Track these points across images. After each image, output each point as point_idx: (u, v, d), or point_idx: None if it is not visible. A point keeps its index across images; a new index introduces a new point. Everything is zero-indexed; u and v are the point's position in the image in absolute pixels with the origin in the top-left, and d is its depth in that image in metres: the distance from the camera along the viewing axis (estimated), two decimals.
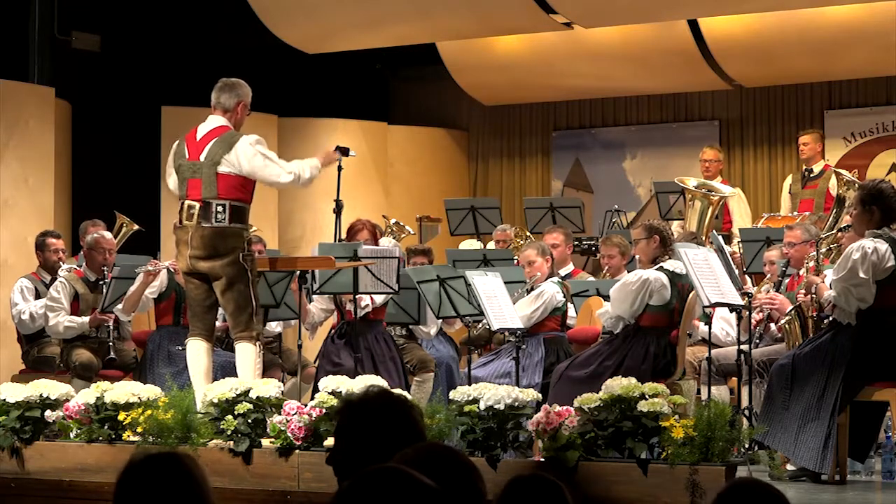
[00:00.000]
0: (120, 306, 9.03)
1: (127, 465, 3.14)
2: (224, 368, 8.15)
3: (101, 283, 9.26)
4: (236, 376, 7.39)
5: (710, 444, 6.26)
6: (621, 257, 9.22)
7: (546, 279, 8.82)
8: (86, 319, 9.15)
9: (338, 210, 9.31)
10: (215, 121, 7.55)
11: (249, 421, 7.00)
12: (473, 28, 12.39)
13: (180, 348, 8.80)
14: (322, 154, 7.88)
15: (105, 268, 9.27)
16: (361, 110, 13.81)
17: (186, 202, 7.44)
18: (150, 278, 8.94)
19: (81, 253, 9.74)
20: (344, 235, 9.09)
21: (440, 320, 9.02)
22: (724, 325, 8.79)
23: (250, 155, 7.38)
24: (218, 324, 7.94)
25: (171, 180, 7.69)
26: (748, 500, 3.02)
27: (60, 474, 7.37)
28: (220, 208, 7.37)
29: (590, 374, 7.79)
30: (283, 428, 6.90)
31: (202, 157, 7.42)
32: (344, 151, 9.20)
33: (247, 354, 7.39)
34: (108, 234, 9.64)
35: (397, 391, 7.11)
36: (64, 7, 12.56)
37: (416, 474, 2.85)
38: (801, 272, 8.22)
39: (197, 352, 7.48)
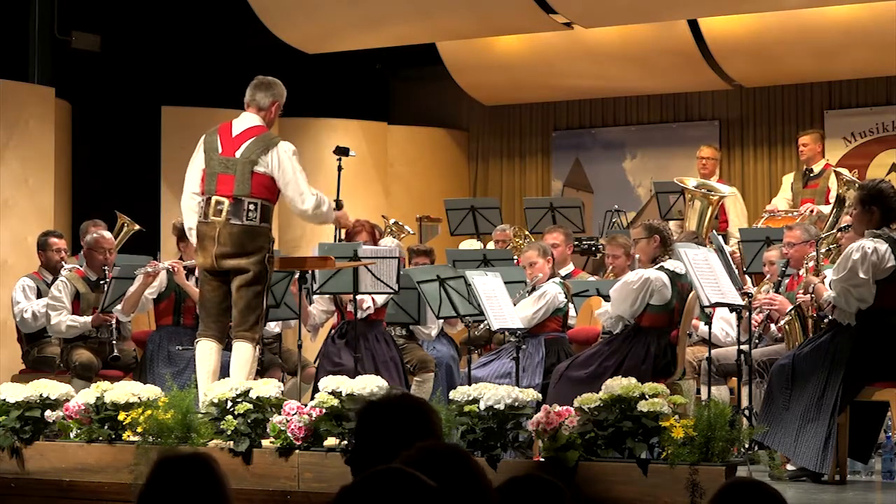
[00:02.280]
0: (119, 307, 9.03)
1: (156, 464, 3.15)
2: (225, 369, 8.15)
3: (101, 282, 9.26)
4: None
5: (710, 444, 6.26)
6: (626, 258, 9.21)
7: (547, 279, 8.82)
8: (88, 319, 9.16)
9: (338, 210, 9.31)
10: (250, 119, 7.49)
11: (249, 421, 7.00)
12: (473, 28, 12.39)
13: (180, 348, 8.81)
14: (343, 214, 7.87)
15: (105, 267, 9.27)
16: (361, 110, 13.81)
17: (214, 197, 7.37)
18: (150, 279, 8.94)
19: (81, 253, 9.74)
20: (343, 236, 9.10)
21: (441, 320, 9.03)
22: (723, 325, 8.80)
23: (285, 163, 7.35)
24: None
25: (192, 168, 7.56)
26: (745, 499, 3.02)
27: (60, 474, 7.37)
28: (251, 206, 7.34)
29: (590, 374, 7.80)
30: (283, 428, 6.89)
31: (238, 154, 7.37)
32: (344, 151, 9.23)
33: (244, 354, 7.36)
34: (108, 234, 9.64)
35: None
36: (64, 7, 12.56)
37: (418, 475, 2.85)
38: (800, 272, 8.22)
39: (207, 352, 7.45)
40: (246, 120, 7.50)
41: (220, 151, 7.42)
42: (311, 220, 7.74)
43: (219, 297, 7.46)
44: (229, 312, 7.49)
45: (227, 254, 7.34)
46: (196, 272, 8.43)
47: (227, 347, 7.71)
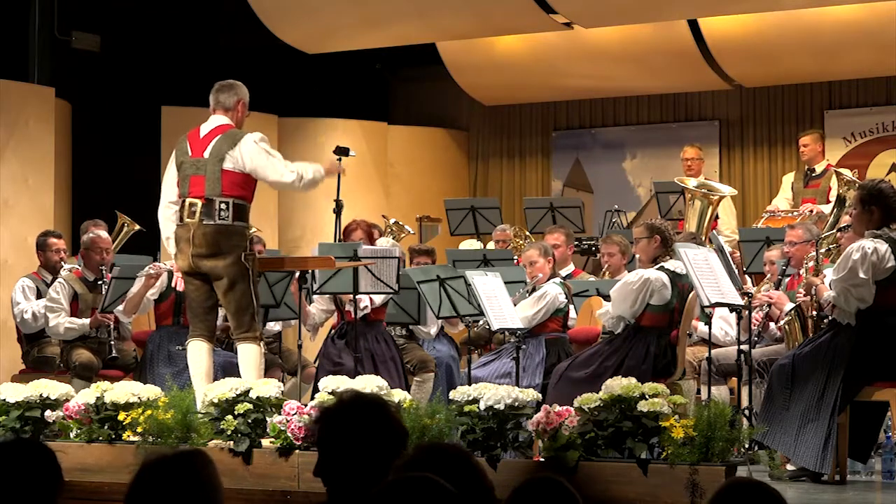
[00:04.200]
0: (121, 308, 9.02)
1: (138, 471, 3.16)
2: (224, 368, 8.15)
3: (99, 282, 9.25)
4: (236, 376, 7.39)
5: (710, 444, 6.26)
6: (621, 256, 9.22)
7: (548, 280, 8.82)
8: (86, 321, 9.15)
9: (338, 210, 9.31)
10: (218, 119, 7.52)
11: (249, 421, 7.00)
12: (473, 28, 12.39)
13: (180, 348, 8.80)
14: (327, 162, 7.85)
15: (103, 267, 9.26)
16: (361, 110, 13.81)
17: (188, 200, 7.40)
18: (152, 281, 8.93)
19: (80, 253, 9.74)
20: (342, 236, 9.10)
21: (440, 320, 9.03)
22: (723, 325, 8.79)
23: (254, 152, 7.34)
24: (218, 323, 7.91)
25: (167, 178, 7.62)
26: (745, 499, 3.02)
27: None
28: (223, 206, 7.34)
29: (590, 374, 7.79)
30: (283, 428, 6.90)
31: (206, 154, 7.38)
32: (344, 151, 9.23)
33: (250, 355, 7.37)
34: (105, 234, 9.63)
35: (396, 391, 7.14)
36: (64, 7, 12.56)
37: (446, 485, 2.86)
38: (801, 272, 8.22)
39: (198, 353, 7.45)
40: (213, 121, 7.54)
41: (190, 154, 7.45)
42: (303, 190, 7.85)
43: (202, 295, 7.47)
44: (215, 310, 7.53)
45: (202, 254, 7.34)
46: None
47: (230, 348, 7.71)
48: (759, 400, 7.64)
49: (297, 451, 6.90)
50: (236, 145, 7.36)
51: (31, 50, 12.43)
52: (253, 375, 7.30)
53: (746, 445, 7.01)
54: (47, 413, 7.45)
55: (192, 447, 6.26)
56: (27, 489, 3.23)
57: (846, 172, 9.76)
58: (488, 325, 8.17)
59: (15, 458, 3.25)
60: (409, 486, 2.88)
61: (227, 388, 7.10)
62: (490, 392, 6.66)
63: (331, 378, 7.20)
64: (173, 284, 8.51)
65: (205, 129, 7.51)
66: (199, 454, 3.21)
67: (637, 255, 8.36)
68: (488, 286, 8.03)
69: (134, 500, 3.13)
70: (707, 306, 7.79)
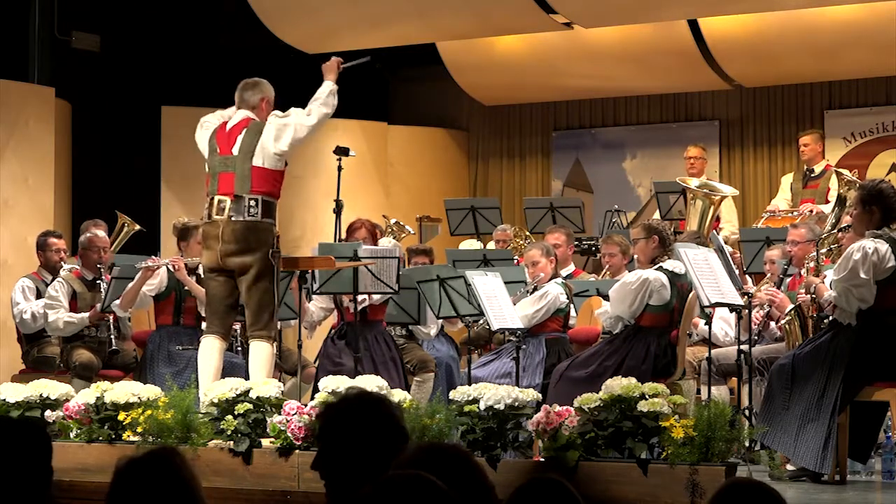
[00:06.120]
0: (117, 301, 9.00)
1: (114, 477, 3.16)
2: (224, 369, 8.13)
3: (98, 281, 9.25)
4: (236, 377, 7.39)
5: (710, 444, 6.25)
6: (622, 256, 9.22)
7: (549, 280, 8.83)
8: (85, 315, 9.15)
9: (338, 210, 9.31)
10: (241, 114, 7.58)
11: (249, 421, 7.00)
12: (473, 28, 12.39)
13: (180, 348, 8.81)
14: (328, 71, 7.78)
15: (100, 266, 9.26)
16: (361, 110, 13.80)
17: (217, 197, 7.43)
18: (149, 273, 8.93)
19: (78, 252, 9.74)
20: (343, 236, 9.10)
21: (440, 320, 9.03)
22: (723, 325, 8.80)
23: (278, 122, 7.40)
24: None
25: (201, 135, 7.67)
26: (745, 499, 3.02)
27: (60, 474, 7.32)
28: (252, 202, 7.37)
29: (590, 374, 7.80)
30: (283, 428, 6.89)
31: (235, 151, 7.43)
32: (344, 151, 9.24)
33: (263, 354, 7.39)
34: (102, 233, 9.63)
35: (396, 391, 7.14)
36: (64, 7, 12.56)
37: (438, 482, 2.86)
38: (801, 272, 8.22)
39: (210, 350, 7.46)
40: (236, 116, 7.60)
41: (218, 151, 7.51)
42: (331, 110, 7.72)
43: (224, 292, 7.49)
44: (234, 309, 7.55)
45: (231, 251, 7.38)
46: (199, 270, 8.46)
47: (230, 348, 7.68)
48: (759, 400, 7.64)
49: (297, 451, 6.89)
50: (261, 135, 7.42)
51: (31, 50, 12.44)
52: (262, 375, 7.32)
53: (746, 445, 7.01)
54: (47, 413, 7.44)
55: (162, 445, 6.26)
56: (20, 466, 3.23)
57: (846, 173, 9.76)
58: (488, 325, 8.17)
59: (6, 435, 3.26)
60: (401, 483, 2.88)
61: (227, 388, 7.09)
62: (490, 392, 6.66)
63: (331, 378, 7.19)
64: (172, 267, 8.53)
65: (230, 125, 7.57)
66: (172, 452, 3.22)
67: (635, 256, 8.37)
68: (488, 286, 8.04)
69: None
70: (707, 306, 7.79)
